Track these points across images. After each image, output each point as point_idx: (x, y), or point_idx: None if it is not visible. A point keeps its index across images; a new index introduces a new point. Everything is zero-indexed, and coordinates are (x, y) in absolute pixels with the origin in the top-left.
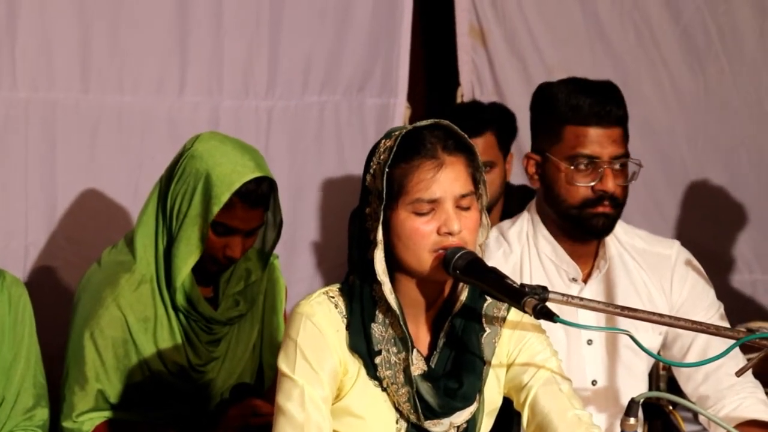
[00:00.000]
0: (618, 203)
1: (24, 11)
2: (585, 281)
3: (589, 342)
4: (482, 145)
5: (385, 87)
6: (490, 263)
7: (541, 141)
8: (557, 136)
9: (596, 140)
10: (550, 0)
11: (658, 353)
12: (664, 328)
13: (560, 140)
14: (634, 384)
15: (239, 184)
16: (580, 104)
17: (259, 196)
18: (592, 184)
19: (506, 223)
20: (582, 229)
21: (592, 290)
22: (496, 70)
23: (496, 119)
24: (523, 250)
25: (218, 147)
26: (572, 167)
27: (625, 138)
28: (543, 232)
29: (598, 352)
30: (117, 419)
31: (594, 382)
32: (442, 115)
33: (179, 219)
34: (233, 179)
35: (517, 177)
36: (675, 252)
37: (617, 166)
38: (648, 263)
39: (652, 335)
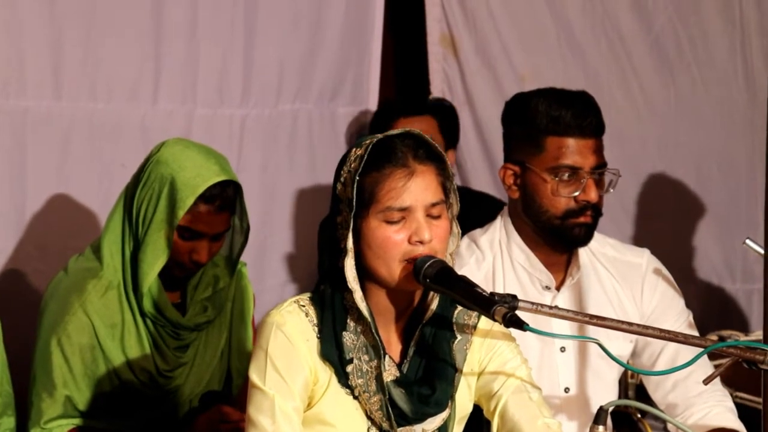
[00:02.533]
0: (598, 213)
1: None
2: (558, 289)
3: (563, 349)
4: (422, 125)
5: (356, 96)
6: (462, 271)
7: (519, 152)
8: (538, 147)
9: (577, 151)
10: (521, 9)
11: (628, 361)
12: (635, 335)
13: (541, 151)
14: (605, 391)
15: (204, 188)
16: (562, 115)
17: (225, 199)
18: (576, 194)
19: (478, 231)
20: (563, 239)
21: (565, 298)
22: (467, 79)
23: (438, 107)
24: (496, 257)
25: (183, 152)
26: (555, 178)
27: (602, 147)
28: (517, 240)
29: (571, 359)
30: (85, 427)
31: (567, 390)
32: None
33: (145, 224)
34: (198, 183)
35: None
36: (645, 260)
37: (597, 176)
38: (619, 271)
39: (622, 343)
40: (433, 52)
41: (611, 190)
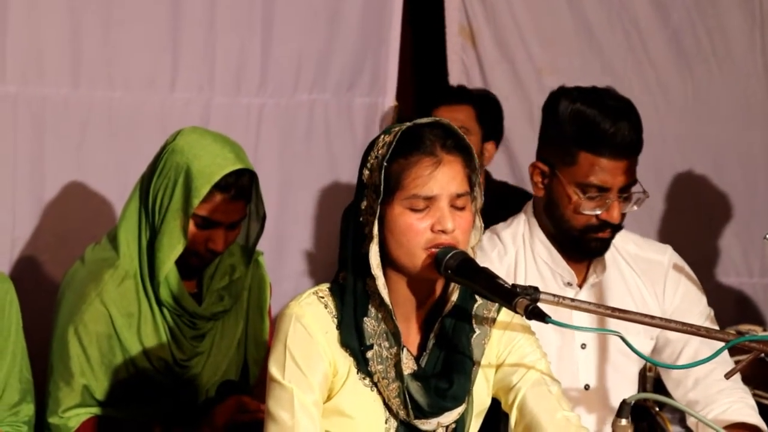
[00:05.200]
0: (618, 229)
1: (15, 5)
2: (580, 286)
3: (583, 346)
4: (460, 114)
5: (374, 86)
6: (483, 264)
7: (551, 155)
8: (570, 158)
9: (610, 170)
10: (539, 1)
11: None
12: (656, 333)
13: (573, 164)
14: (626, 388)
15: (219, 177)
16: (601, 134)
17: (240, 188)
18: (598, 212)
19: (501, 225)
20: (578, 249)
21: (587, 295)
22: (486, 70)
23: (477, 97)
24: (518, 251)
25: (198, 140)
26: (582, 195)
27: (636, 164)
28: (540, 236)
29: (592, 356)
30: (103, 416)
31: (587, 387)
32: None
33: (161, 213)
34: (213, 172)
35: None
36: (667, 258)
37: (624, 196)
38: (641, 268)
39: (643, 340)
40: (452, 42)
41: (635, 208)
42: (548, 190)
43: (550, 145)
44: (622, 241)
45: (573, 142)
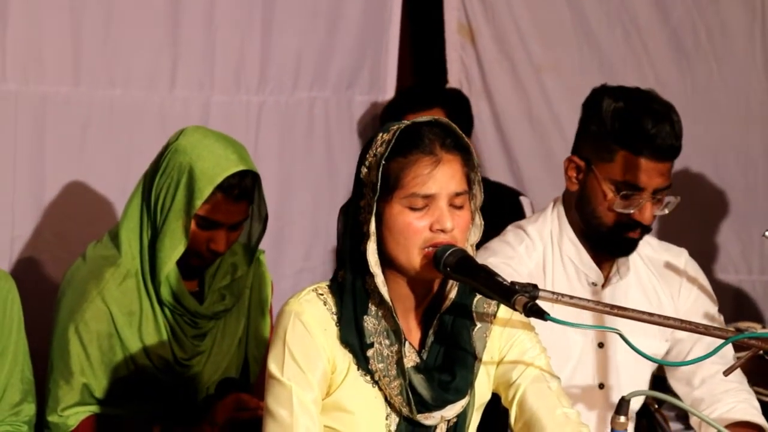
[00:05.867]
0: (647, 230)
1: (15, 3)
2: (603, 286)
3: (600, 345)
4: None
5: (373, 84)
6: (512, 261)
7: (588, 151)
8: (609, 156)
9: (647, 171)
10: None
11: (662, 358)
12: (669, 335)
13: (610, 161)
14: (638, 388)
15: (222, 178)
16: (643, 134)
17: (243, 189)
18: (631, 211)
19: (524, 221)
20: (607, 247)
21: (609, 296)
22: (485, 68)
23: (446, 97)
24: (546, 248)
25: (201, 141)
26: (617, 193)
27: (672, 168)
28: (569, 233)
29: (608, 355)
30: (102, 414)
31: (601, 386)
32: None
33: (163, 213)
34: (216, 173)
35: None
36: (683, 261)
37: (657, 198)
38: (658, 271)
39: (658, 342)
40: (451, 41)
41: (666, 212)
42: (582, 186)
43: (588, 141)
44: (639, 243)
45: (613, 139)
